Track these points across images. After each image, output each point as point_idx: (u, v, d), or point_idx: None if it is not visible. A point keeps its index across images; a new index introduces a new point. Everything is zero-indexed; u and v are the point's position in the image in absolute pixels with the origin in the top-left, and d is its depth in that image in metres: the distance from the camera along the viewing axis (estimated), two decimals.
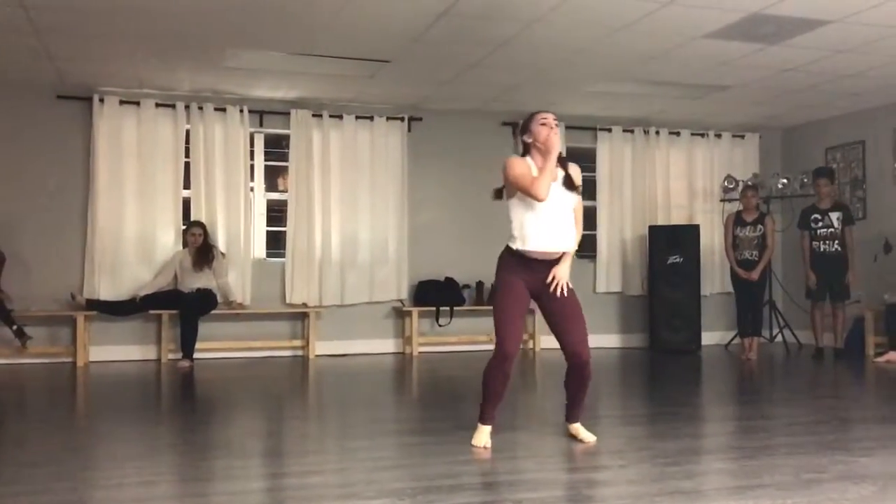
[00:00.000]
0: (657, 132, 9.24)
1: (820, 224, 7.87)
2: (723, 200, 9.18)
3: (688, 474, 3.36)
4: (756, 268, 7.89)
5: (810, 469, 3.42)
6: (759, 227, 7.98)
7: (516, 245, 3.97)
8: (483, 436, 3.92)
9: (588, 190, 9.35)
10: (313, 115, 8.26)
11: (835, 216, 7.85)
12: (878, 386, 6.53)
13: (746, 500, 2.98)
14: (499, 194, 4.13)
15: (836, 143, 9.04)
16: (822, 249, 7.87)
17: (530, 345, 8.67)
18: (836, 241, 7.82)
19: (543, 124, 4.05)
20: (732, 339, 8.89)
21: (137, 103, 7.79)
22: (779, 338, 8.86)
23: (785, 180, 9.02)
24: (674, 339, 8.63)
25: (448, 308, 8.45)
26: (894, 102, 8.24)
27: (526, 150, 4.13)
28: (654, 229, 8.89)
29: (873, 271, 8.27)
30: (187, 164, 7.96)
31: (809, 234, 7.93)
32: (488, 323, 8.36)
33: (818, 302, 7.93)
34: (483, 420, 3.98)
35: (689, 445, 3.95)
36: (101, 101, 7.69)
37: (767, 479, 3.26)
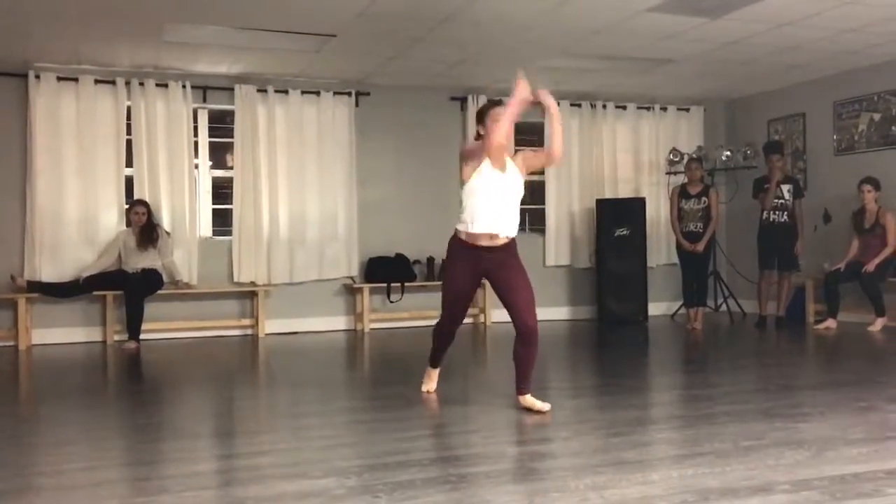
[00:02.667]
0: (604, 106, 9.30)
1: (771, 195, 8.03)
2: (668, 173, 9.31)
3: (631, 444, 3.43)
4: (701, 240, 8.03)
5: (749, 436, 3.51)
6: (704, 199, 8.11)
7: (464, 227, 4.16)
8: (432, 382, 4.62)
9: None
10: (258, 91, 8.13)
11: (786, 188, 8.02)
12: (816, 353, 6.72)
13: (686, 468, 3.05)
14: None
15: (778, 116, 9.20)
16: (771, 220, 8.04)
17: (481, 319, 8.72)
18: (786, 213, 8.00)
19: (496, 121, 4.15)
20: (678, 310, 9.06)
21: (76, 80, 7.59)
22: (723, 307, 9.06)
23: (728, 152, 9.17)
24: (621, 310, 8.76)
25: (399, 284, 8.45)
26: (834, 75, 8.41)
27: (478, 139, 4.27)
28: (601, 202, 8.99)
29: (813, 241, 8.47)
30: (129, 142, 7.79)
31: (760, 204, 8.09)
32: (438, 298, 8.41)
33: (765, 271, 8.11)
34: (433, 363, 4.65)
35: (633, 416, 4.03)
36: (38, 77, 7.47)
37: (707, 447, 3.34)
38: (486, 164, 4.14)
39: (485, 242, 4.13)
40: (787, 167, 8.43)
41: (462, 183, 4.20)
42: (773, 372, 5.61)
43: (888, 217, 7.63)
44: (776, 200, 7.99)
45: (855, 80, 8.28)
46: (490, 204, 4.12)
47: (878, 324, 7.50)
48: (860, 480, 2.84)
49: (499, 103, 4.25)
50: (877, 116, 8.14)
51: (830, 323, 7.73)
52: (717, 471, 3.00)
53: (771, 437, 3.49)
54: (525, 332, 4.12)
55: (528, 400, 4.14)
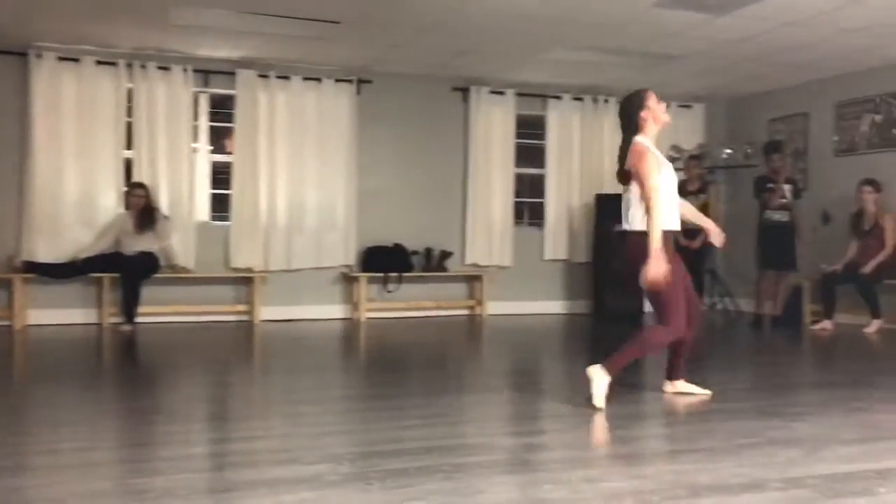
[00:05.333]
0: (606, 100, 9.29)
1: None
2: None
3: (625, 439, 3.44)
4: (697, 237, 8.02)
5: (743, 434, 3.52)
6: (702, 196, 8.12)
7: (667, 225, 4.03)
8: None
9: (537, 158, 9.41)
10: (259, 76, 8.11)
11: (787, 188, 8.03)
12: (812, 353, 6.73)
13: (679, 464, 3.06)
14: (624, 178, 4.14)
15: (779, 115, 9.19)
16: (774, 219, 8.04)
17: (478, 311, 8.72)
18: (788, 213, 8.00)
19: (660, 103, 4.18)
20: None
21: (77, 60, 7.56)
22: (719, 306, 9.07)
23: (730, 150, 9.16)
24: (618, 305, 8.76)
25: (396, 274, 8.45)
26: (836, 76, 8.40)
27: (639, 126, 4.14)
28: (600, 197, 8.98)
29: (812, 242, 8.47)
30: (129, 124, 7.77)
31: (761, 203, 8.09)
32: (436, 290, 8.39)
33: (765, 271, 8.12)
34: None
35: (628, 411, 4.03)
36: (39, 56, 7.44)
37: (701, 444, 3.35)
38: (661, 158, 4.13)
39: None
40: (788, 167, 8.42)
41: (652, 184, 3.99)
42: (769, 371, 5.62)
43: (887, 219, 7.63)
44: (780, 200, 7.99)
45: (857, 82, 8.27)
46: (672, 198, 4.11)
47: (874, 326, 7.51)
48: (851, 479, 2.85)
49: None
50: (878, 118, 8.13)
51: (826, 324, 7.74)
52: (710, 467, 3.00)
53: (764, 435, 3.50)
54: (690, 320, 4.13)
55: (684, 385, 4.33)
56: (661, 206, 3.97)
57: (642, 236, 3.96)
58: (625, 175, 4.13)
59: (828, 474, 2.91)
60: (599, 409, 3.88)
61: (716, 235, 4.52)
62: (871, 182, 7.73)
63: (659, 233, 3.91)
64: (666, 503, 2.59)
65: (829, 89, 8.57)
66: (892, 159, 7.97)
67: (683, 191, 8.16)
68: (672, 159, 9.08)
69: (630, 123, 4.16)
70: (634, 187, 4.06)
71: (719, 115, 9.84)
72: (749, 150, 8.96)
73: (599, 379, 3.95)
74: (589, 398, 3.93)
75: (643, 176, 3.98)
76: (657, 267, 3.86)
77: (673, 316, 4.00)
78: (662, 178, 4.06)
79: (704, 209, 8.07)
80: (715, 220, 8.10)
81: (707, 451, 3.22)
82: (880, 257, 7.57)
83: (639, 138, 4.11)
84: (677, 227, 4.13)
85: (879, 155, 8.10)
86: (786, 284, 8.16)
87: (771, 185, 8.01)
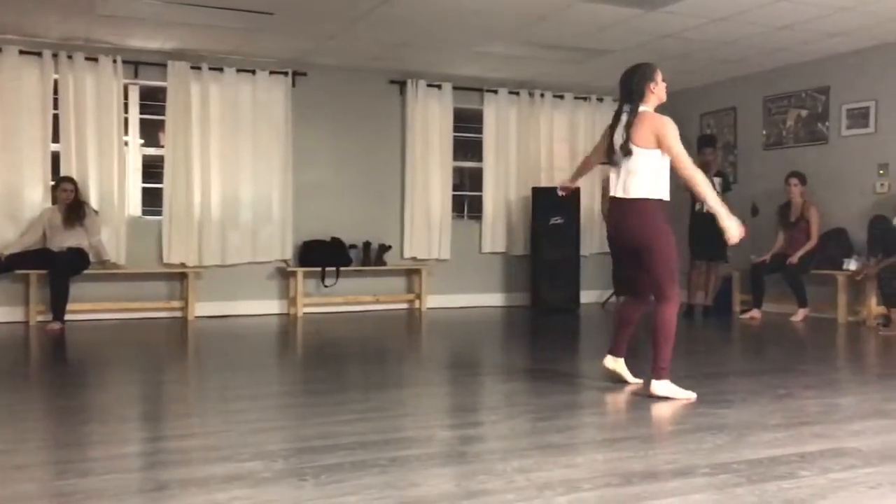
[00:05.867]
0: (542, 95, 9.37)
1: None
2: (603, 163, 9.40)
3: (558, 428, 3.48)
4: None
5: (672, 421, 3.60)
6: None
7: (663, 196, 4.24)
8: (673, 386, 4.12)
9: (474, 152, 9.45)
10: (192, 68, 7.96)
11: (717, 181, 8.21)
12: (741, 342, 6.92)
13: (612, 451, 3.11)
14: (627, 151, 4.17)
15: (710, 110, 9.41)
16: (705, 211, 8.20)
17: (417, 304, 8.73)
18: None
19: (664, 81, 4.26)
20: (609, 298, 9.21)
21: None
22: (653, 297, 9.22)
23: None
24: (554, 297, 8.86)
25: (334, 268, 8.39)
26: (764, 71, 8.63)
27: (642, 98, 4.20)
28: (537, 191, 9.06)
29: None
30: (56, 117, 7.55)
31: (692, 196, 8.24)
32: (375, 284, 8.36)
33: (696, 262, 8.30)
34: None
35: (562, 401, 4.08)
36: None
37: (633, 432, 3.42)
38: None
39: None
40: (718, 160, 8.62)
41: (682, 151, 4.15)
42: (699, 360, 5.75)
43: (812, 211, 7.88)
44: None
45: (784, 77, 8.51)
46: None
47: (800, 314, 7.76)
48: (776, 464, 2.94)
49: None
50: (804, 113, 8.38)
51: (755, 313, 7.96)
52: (641, 455, 3.06)
53: (694, 422, 3.58)
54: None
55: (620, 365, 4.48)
56: (662, 177, 4.20)
57: (646, 203, 4.16)
58: (628, 147, 4.15)
59: (754, 459, 3.00)
60: (693, 397, 4.03)
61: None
62: (797, 175, 7.97)
63: (715, 196, 4.28)
64: (599, 491, 2.63)
65: (757, 85, 8.80)
66: (818, 153, 8.23)
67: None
68: None
69: (633, 93, 4.19)
70: (642, 156, 4.10)
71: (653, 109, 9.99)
72: None
73: (667, 387, 4.06)
74: (677, 400, 4.02)
75: (673, 144, 4.08)
76: (735, 225, 4.20)
77: (673, 287, 4.16)
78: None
79: None
80: None
81: (638, 439, 3.28)
82: (806, 247, 7.81)
83: (647, 108, 4.15)
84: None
85: (805, 148, 8.35)
86: (716, 275, 8.37)
87: None
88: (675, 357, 5.89)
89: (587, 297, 9.31)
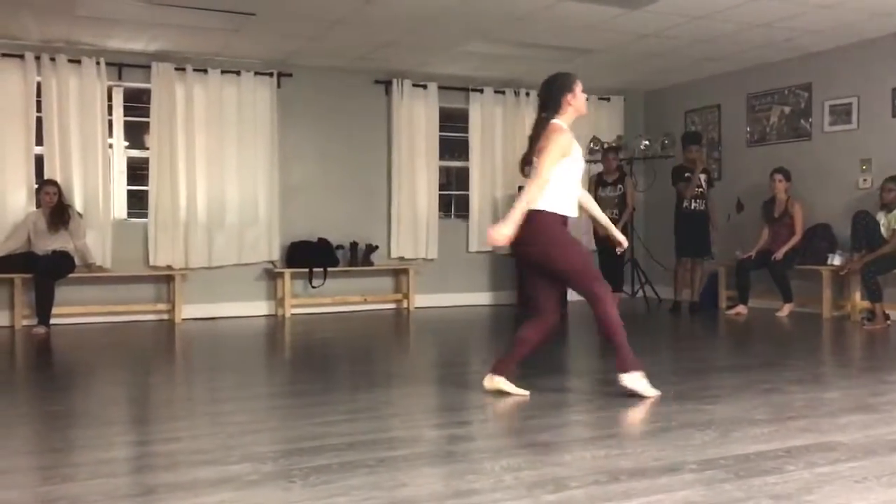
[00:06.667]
0: (527, 93, 9.38)
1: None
2: (589, 161, 9.43)
3: (546, 427, 3.49)
4: (616, 226, 8.18)
5: (659, 418, 3.61)
6: (620, 186, 8.32)
7: (559, 210, 4.00)
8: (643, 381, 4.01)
9: (460, 150, 9.45)
10: (176, 69, 7.93)
11: (702, 177, 8.25)
12: (727, 338, 6.95)
13: (598, 449, 3.12)
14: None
15: (694, 107, 9.45)
16: (692, 207, 8.26)
17: (405, 304, 8.73)
18: (704, 201, 8.24)
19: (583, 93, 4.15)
20: None
21: None
22: (640, 293, 9.27)
23: (647, 142, 9.36)
24: None
25: (321, 269, 8.38)
26: (747, 68, 8.67)
27: (558, 109, 4.08)
28: (523, 189, 9.04)
29: (726, 230, 8.74)
30: (39, 119, 7.50)
31: (678, 192, 8.30)
32: (362, 284, 8.36)
33: (682, 258, 8.34)
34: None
35: (548, 399, 4.09)
36: None
37: (619, 429, 3.44)
38: (577, 145, 4.07)
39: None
40: (703, 157, 8.66)
41: (555, 161, 3.95)
42: (686, 356, 5.79)
43: (796, 207, 7.92)
44: (697, 189, 8.22)
45: (767, 74, 8.55)
46: (575, 187, 4.09)
47: (786, 310, 7.80)
48: (763, 459, 2.96)
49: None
50: (787, 109, 8.43)
51: (741, 309, 8.00)
52: (629, 452, 3.07)
53: (680, 418, 3.60)
54: (552, 319, 4.22)
55: (504, 383, 4.18)
56: (558, 190, 3.97)
57: (540, 215, 3.95)
58: (529, 159, 4.09)
59: (740, 454, 3.01)
60: (656, 395, 3.98)
61: (619, 244, 4.55)
62: (781, 171, 8.01)
63: (526, 203, 3.88)
64: (587, 489, 2.64)
65: (740, 81, 8.84)
66: (801, 149, 8.27)
67: (602, 181, 8.37)
68: (591, 151, 9.28)
69: (551, 103, 4.09)
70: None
71: (637, 108, 10.05)
72: (666, 141, 9.18)
73: (634, 381, 3.99)
74: (642, 397, 3.97)
75: (545, 156, 3.93)
76: (502, 228, 3.85)
77: (597, 285, 4.00)
78: (572, 163, 4.03)
79: (623, 199, 8.29)
80: (632, 210, 8.43)
81: (626, 437, 3.30)
82: (791, 243, 7.86)
83: (558, 120, 4.09)
84: (574, 214, 4.08)
85: (789, 145, 8.40)
86: (702, 271, 8.41)
87: (688, 175, 8.23)
88: (662, 352, 5.95)
89: (574, 294, 9.30)
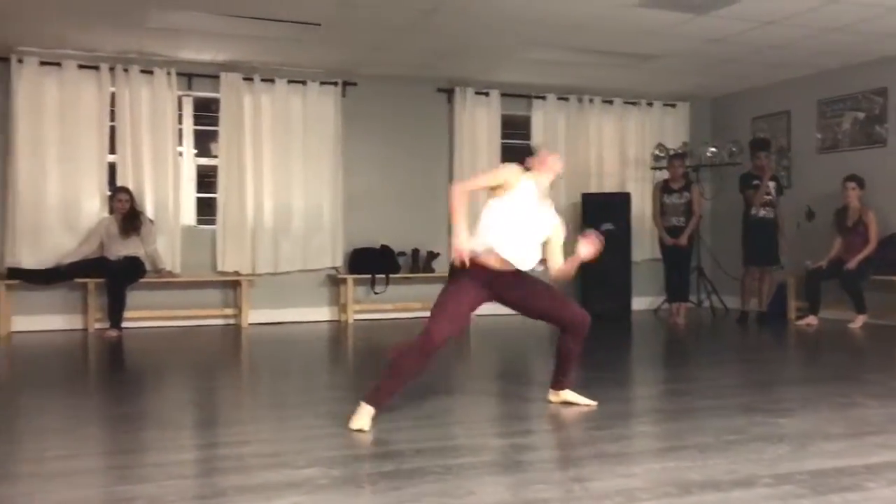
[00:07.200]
0: (591, 100, 9.31)
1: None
2: (654, 168, 9.33)
3: (614, 437, 3.44)
4: (682, 234, 8.08)
5: (731, 430, 3.53)
6: (686, 194, 8.18)
7: (489, 245, 3.81)
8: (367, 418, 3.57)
9: (523, 157, 9.40)
10: (244, 79, 8.08)
11: (771, 185, 8.08)
12: (797, 349, 6.77)
13: (668, 461, 3.06)
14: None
15: (762, 113, 9.24)
16: (760, 215, 8.09)
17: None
18: (772, 209, 8.06)
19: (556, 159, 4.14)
20: (661, 305, 9.10)
21: (59, 64, 7.51)
22: (706, 303, 9.10)
23: (714, 149, 9.20)
24: (605, 305, 8.77)
25: (383, 276, 8.43)
26: (818, 74, 8.46)
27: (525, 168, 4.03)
28: (586, 197, 8.99)
29: (796, 238, 8.52)
30: (112, 129, 7.72)
31: (746, 200, 8.13)
32: (422, 290, 8.40)
33: (750, 267, 8.17)
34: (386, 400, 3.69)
35: (616, 409, 4.04)
36: (20, 61, 7.38)
37: (689, 441, 3.36)
38: (530, 185, 3.94)
39: (497, 266, 3.86)
40: (772, 164, 8.47)
41: (488, 182, 3.91)
42: (755, 367, 5.65)
43: (870, 215, 7.68)
44: (765, 197, 8.05)
45: (839, 79, 8.33)
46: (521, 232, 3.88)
47: (859, 321, 7.56)
48: (841, 475, 2.87)
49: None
50: (861, 115, 8.19)
51: (811, 319, 7.78)
52: (699, 464, 3.01)
53: (752, 431, 3.51)
54: (580, 325, 4.05)
55: (570, 395, 4.09)
56: (491, 225, 3.85)
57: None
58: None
59: (816, 470, 2.92)
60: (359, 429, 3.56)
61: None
62: (855, 178, 7.78)
63: (459, 220, 3.73)
64: (658, 501, 2.59)
65: (811, 87, 8.63)
66: (875, 156, 8.03)
67: (667, 189, 8.25)
68: (657, 157, 9.15)
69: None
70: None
71: (704, 114, 9.89)
72: (734, 149, 9.00)
73: (363, 414, 3.57)
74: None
75: (477, 176, 3.93)
76: (460, 243, 3.69)
77: (435, 321, 3.72)
78: (515, 200, 3.89)
79: (689, 207, 8.16)
80: (699, 218, 8.30)
81: (695, 449, 3.23)
82: (864, 253, 7.62)
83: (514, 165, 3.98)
84: (504, 255, 3.85)
85: (862, 152, 8.16)
86: (771, 281, 8.21)
87: (756, 182, 8.06)
88: (730, 363, 5.81)
89: (638, 303, 9.20)
